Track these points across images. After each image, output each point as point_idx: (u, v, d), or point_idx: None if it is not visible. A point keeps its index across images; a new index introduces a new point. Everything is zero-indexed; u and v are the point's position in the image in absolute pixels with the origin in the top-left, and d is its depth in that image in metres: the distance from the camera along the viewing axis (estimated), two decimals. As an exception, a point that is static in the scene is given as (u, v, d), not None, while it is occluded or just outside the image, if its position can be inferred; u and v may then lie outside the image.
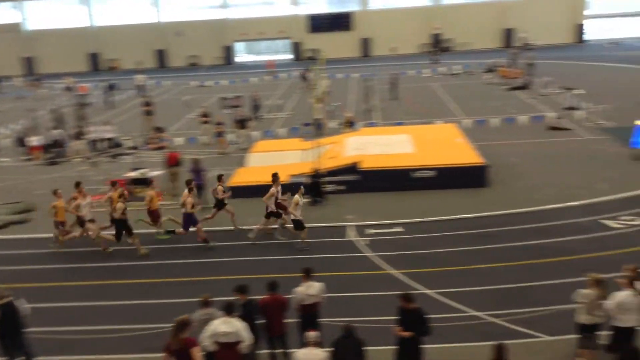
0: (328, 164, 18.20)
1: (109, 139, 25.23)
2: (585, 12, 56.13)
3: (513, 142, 22.26)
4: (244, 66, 55.88)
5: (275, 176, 14.38)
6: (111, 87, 39.61)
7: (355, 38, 57.80)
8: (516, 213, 15.39)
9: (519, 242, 13.65)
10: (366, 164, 17.86)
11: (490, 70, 40.42)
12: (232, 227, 15.18)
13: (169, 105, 35.90)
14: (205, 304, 8.68)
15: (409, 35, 56.81)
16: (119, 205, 13.93)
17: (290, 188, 14.84)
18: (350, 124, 24.50)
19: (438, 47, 53.40)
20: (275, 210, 14.30)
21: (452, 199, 16.71)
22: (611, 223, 14.33)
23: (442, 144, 20.01)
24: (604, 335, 8.87)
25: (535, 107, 28.02)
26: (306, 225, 13.91)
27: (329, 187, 17.21)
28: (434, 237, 14.33)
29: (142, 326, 10.69)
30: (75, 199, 14.58)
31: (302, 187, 14.43)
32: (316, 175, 17.20)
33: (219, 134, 23.71)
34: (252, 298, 8.96)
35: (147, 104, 29.27)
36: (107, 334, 10.58)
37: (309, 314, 9.23)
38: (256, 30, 58.20)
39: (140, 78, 41.84)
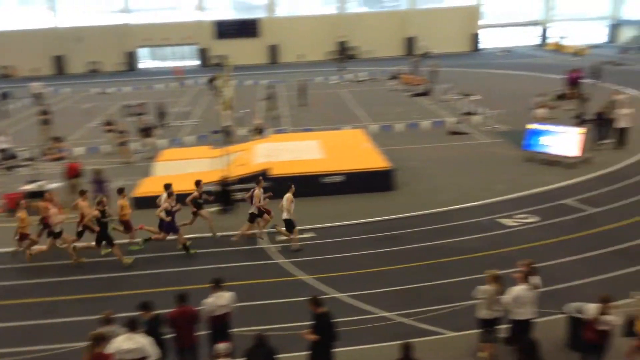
0: (238, 171, 18.04)
1: (3, 150, 23.60)
2: (480, 22, 59.37)
3: (417, 146, 23.10)
4: (148, 72, 54.24)
5: (258, 178, 14.86)
6: (4, 96, 37.17)
7: (263, 45, 57.80)
8: (421, 215, 15.97)
9: (425, 242, 14.16)
10: (276, 171, 17.87)
11: (393, 77, 41.74)
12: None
13: (68, 113, 34.14)
14: (107, 321, 8.35)
15: (316, 43, 57.59)
16: (95, 212, 13.42)
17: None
18: (259, 131, 24.41)
19: (344, 54, 54.46)
20: (256, 213, 14.43)
21: (361, 203, 17.07)
22: (507, 221, 15.20)
23: (351, 149, 20.42)
24: (503, 329, 9.39)
25: (436, 113, 29.25)
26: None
27: (239, 195, 17.04)
28: (345, 241, 14.57)
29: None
30: (46, 209, 13.75)
31: (292, 186, 14.28)
32: (225, 184, 16.99)
33: (123, 143, 22.85)
34: (158, 313, 8.72)
35: (44, 112, 27.69)
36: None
37: (220, 325, 9.09)
38: (160, 35, 56.70)
39: (36, 86, 39.49)
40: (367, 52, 57.94)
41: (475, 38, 59.44)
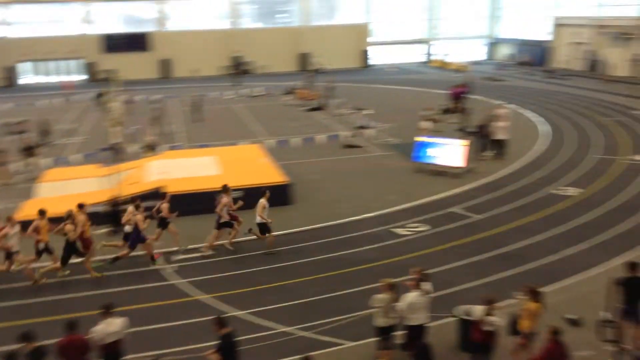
0: (129, 190, 17.34)
1: None
2: (370, 40, 61.61)
3: (313, 160, 23.44)
4: (30, 88, 50.96)
5: (225, 186, 14.78)
6: None
7: (154, 59, 56.25)
8: (319, 227, 16.20)
9: (323, 255, 14.37)
10: (171, 188, 17.35)
11: (288, 92, 42.18)
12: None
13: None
14: None
15: (210, 58, 56.95)
16: (69, 227, 12.95)
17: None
18: (152, 148, 23.67)
19: (239, 69, 54.27)
20: (227, 221, 14.58)
21: (258, 218, 17.00)
22: (400, 231, 15.80)
23: (248, 165, 20.33)
24: (399, 335, 9.71)
25: (331, 127, 29.89)
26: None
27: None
28: (243, 257, 14.44)
29: None
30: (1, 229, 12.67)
31: (267, 191, 14.68)
32: (115, 203, 16.27)
33: (2, 164, 21.26)
34: (41, 344, 8.18)
35: None
36: None
37: (112, 353, 8.67)
38: (44, 49, 53.51)
39: None
40: (262, 67, 58.16)
41: (365, 55, 61.53)
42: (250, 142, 25.52)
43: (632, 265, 9.69)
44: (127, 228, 14.08)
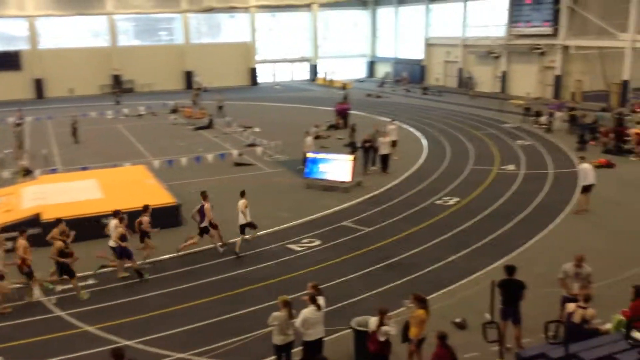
0: (2, 218, 16.04)
1: None
2: (256, 58, 61.91)
3: (203, 179, 23.00)
4: None
5: (203, 193, 15.50)
6: None
7: (27, 78, 52.72)
8: (213, 247, 15.87)
9: (218, 275, 14.11)
10: (49, 215, 16.28)
11: (174, 110, 41.24)
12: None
13: None
14: None
15: (87, 76, 54.37)
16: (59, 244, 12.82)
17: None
18: (26, 172, 22.08)
19: (119, 88, 52.25)
20: (206, 226, 15.28)
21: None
22: (295, 247, 15.91)
23: (133, 187, 19.54)
24: (297, 352, 9.73)
25: (220, 145, 29.57)
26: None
27: (8, 245, 15.12)
28: (131, 284, 13.81)
29: None
30: None
31: (244, 191, 15.78)
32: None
33: None
34: None
35: None
36: None
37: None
38: None
39: None
40: (145, 85, 56.46)
41: (253, 72, 61.71)
42: (136, 162, 24.57)
43: (508, 269, 10.43)
44: (111, 243, 14.05)
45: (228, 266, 14.66)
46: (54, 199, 17.84)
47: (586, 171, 18.23)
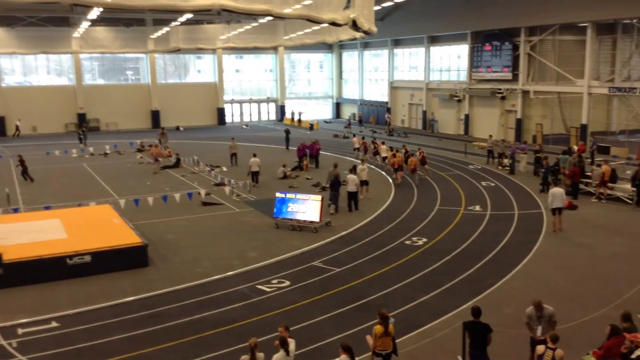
0: (-41, 260, 15.42)
1: None
2: (224, 98, 62.21)
3: (169, 219, 22.68)
4: None
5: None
6: None
7: (-12, 115, 51.82)
8: (180, 289, 15.53)
9: (185, 318, 13.74)
10: (9, 255, 15.74)
11: (140, 149, 40.85)
12: None
13: None
14: None
15: (51, 114, 53.71)
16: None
17: None
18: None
19: (84, 126, 51.68)
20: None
21: (112, 283, 15.95)
22: (264, 287, 15.68)
23: (98, 226, 19.13)
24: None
25: (188, 185, 29.29)
26: None
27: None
28: (95, 327, 13.33)
29: None
30: None
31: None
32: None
33: None
34: None
35: None
36: None
37: None
38: None
39: None
40: (110, 124, 56.00)
41: (220, 112, 61.87)
42: (101, 201, 24.09)
43: (474, 311, 10.33)
44: None
45: (194, 309, 14.30)
46: (16, 239, 17.31)
47: (554, 195, 20.31)
